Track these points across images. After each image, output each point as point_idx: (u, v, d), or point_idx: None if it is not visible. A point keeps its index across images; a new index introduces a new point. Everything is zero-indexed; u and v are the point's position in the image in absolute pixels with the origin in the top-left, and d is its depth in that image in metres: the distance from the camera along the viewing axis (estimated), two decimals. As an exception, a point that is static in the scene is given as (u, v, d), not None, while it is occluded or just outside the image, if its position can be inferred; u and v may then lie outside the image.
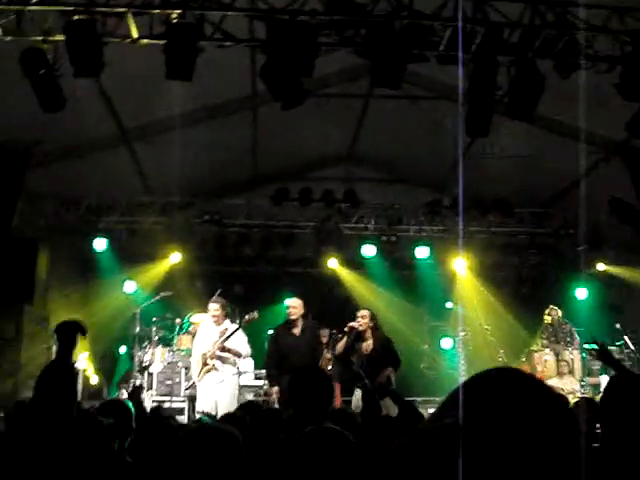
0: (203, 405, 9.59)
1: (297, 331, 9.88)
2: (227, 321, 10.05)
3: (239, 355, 9.85)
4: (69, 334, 4.58)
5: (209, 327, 10.04)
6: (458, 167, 12.73)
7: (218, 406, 9.37)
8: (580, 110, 8.59)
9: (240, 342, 9.90)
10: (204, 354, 9.72)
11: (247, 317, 10.18)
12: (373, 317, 9.71)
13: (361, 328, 9.50)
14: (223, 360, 9.73)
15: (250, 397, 10.86)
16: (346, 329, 9.55)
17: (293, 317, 9.88)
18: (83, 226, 13.03)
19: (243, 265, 14.35)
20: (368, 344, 9.52)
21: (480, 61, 7.71)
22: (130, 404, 5.02)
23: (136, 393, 7.33)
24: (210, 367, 9.69)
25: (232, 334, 9.76)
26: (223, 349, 9.68)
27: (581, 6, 7.91)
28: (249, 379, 10.99)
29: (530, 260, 14.14)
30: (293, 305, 9.96)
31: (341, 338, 9.64)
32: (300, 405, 4.27)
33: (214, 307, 9.95)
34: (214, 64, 8.25)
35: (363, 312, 9.75)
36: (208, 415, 8.45)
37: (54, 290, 12.14)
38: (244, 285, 14.31)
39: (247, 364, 10.67)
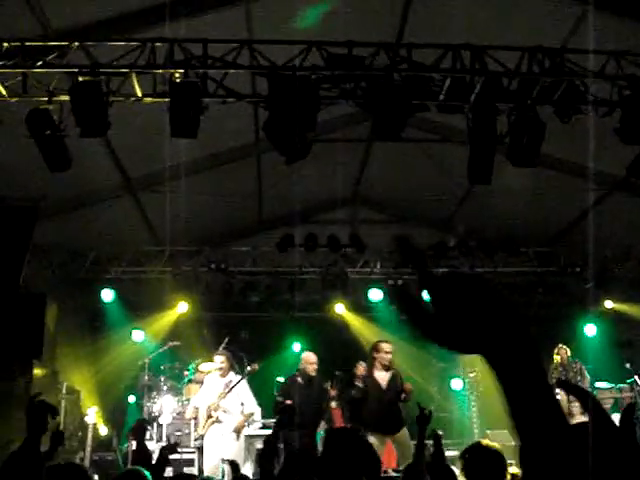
0: (209, 457, 9.60)
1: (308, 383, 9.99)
2: (232, 373, 10.06)
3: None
4: (40, 417, 4.10)
5: (215, 379, 10.07)
6: (462, 207, 12.81)
7: (225, 457, 9.28)
8: (587, 148, 8.63)
9: (245, 394, 9.91)
10: (209, 406, 9.74)
11: (249, 369, 10.16)
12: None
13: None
14: (227, 412, 9.74)
15: (260, 446, 10.75)
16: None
17: (313, 374, 9.98)
18: (90, 277, 13.05)
19: (250, 311, 14.31)
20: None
21: (479, 110, 7.78)
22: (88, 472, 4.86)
23: (140, 429, 7.27)
24: (214, 419, 9.70)
25: (235, 386, 9.78)
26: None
27: (578, 52, 8.02)
28: (256, 428, 10.90)
29: (537, 299, 14.06)
30: (311, 361, 10.07)
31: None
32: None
33: (220, 359, 9.99)
34: (217, 114, 8.34)
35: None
36: (232, 464, 8.28)
37: (62, 343, 12.10)
38: (251, 331, 14.28)
39: (255, 414, 10.61)
